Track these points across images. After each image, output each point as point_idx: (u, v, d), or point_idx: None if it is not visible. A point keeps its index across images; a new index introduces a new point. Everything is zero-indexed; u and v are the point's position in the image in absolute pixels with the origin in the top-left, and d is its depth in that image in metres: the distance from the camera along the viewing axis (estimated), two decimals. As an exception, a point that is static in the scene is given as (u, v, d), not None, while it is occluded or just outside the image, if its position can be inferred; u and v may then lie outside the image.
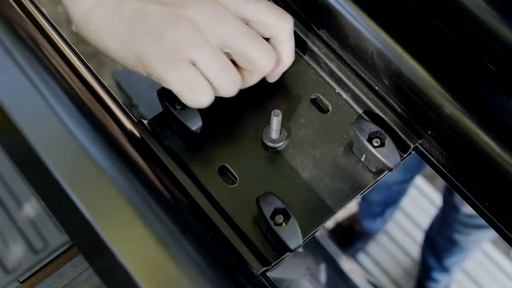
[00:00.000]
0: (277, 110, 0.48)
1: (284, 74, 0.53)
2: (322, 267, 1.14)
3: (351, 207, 1.73)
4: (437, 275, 1.60)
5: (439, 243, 1.53)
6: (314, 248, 1.20)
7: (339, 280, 1.20)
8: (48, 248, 1.13)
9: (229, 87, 0.46)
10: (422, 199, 1.75)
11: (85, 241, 0.39)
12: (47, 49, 0.42)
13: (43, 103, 0.38)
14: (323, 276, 1.12)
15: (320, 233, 1.29)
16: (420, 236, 1.69)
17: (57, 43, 0.50)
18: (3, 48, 0.40)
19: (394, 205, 1.65)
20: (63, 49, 0.49)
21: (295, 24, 0.54)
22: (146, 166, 0.45)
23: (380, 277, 1.69)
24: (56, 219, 0.42)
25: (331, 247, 1.27)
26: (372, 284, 1.40)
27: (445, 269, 1.58)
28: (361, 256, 1.72)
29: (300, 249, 1.04)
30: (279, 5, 0.55)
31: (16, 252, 1.13)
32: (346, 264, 1.28)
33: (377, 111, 0.51)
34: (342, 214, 1.69)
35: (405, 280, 1.69)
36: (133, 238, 0.37)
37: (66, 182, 0.36)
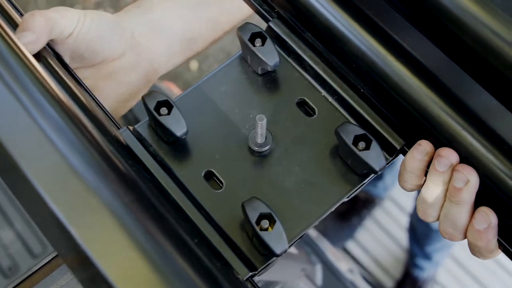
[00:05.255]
0: (261, 115, 0.48)
1: (269, 77, 0.53)
2: (315, 261, 1.14)
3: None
4: (421, 262, 1.61)
5: (419, 229, 1.54)
6: (305, 240, 1.21)
7: (333, 277, 1.21)
8: (46, 251, 1.12)
9: None
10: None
11: (67, 251, 0.39)
12: (26, 54, 0.42)
13: (21, 109, 0.38)
14: (319, 273, 1.12)
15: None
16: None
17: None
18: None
19: (392, 168, 1.62)
20: (45, 53, 0.49)
21: (280, 27, 0.54)
22: (131, 173, 0.45)
23: (369, 264, 1.70)
24: (38, 228, 0.42)
25: (323, 241, 1.27)
26: (363, 277, 1.41)
27: (427, 256, 1.58)
28: (356, 248, 1.72)
29: (294, 249, 1.03)
30: (263, 8, 0.55)
31: (15, 255, 1.13)
32: (337, 256, 1.28)
33: (363, 113, 0.51)
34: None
35: (395, 269, 1.70)
36: (115, 246, 0.36)
37: (45, 191, 0.36)
